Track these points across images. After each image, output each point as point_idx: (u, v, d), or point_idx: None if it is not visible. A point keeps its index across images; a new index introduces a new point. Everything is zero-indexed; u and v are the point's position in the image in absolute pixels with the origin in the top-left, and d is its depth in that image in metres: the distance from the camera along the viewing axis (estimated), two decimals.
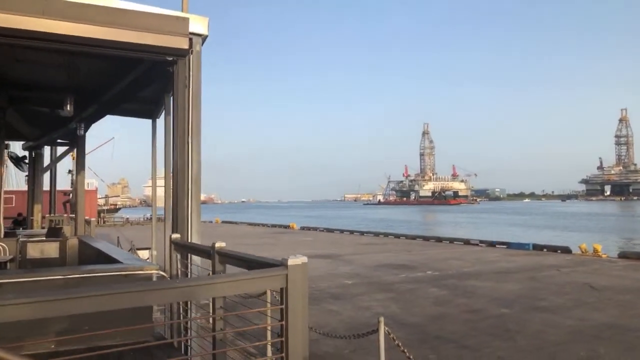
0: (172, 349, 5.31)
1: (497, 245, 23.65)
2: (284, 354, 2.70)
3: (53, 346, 4.42)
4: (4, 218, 17.21)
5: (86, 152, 12.90)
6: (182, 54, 6.02)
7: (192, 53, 6.08)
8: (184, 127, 5.93)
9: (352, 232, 34.55)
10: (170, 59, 6.07)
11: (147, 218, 56.47)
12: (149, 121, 10.50)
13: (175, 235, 5.47)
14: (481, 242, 25.05)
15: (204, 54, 6.22)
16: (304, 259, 2.90)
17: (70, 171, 15.19)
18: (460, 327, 8.98)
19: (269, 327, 2.93)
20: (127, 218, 59.20)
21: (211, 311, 4.71)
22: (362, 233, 33.50)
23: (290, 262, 2.82)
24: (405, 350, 4.91)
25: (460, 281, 13.78)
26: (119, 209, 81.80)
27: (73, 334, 4.75)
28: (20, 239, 9.47)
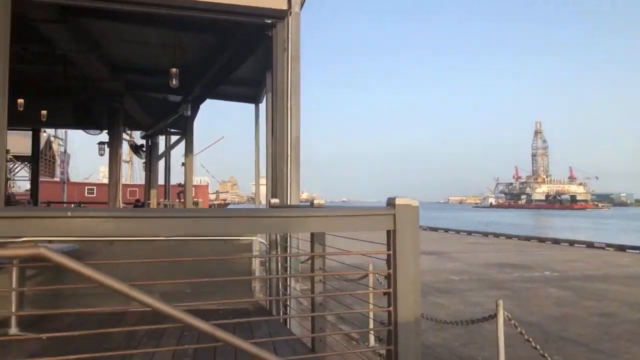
0: (271, 319, 5.12)
1: (628, 250, 20.88)
2: (391, 308, 2.18)
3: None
4: (126, 204, 18.64)
5: (198, 150, 13.46)
6: (280, 15, 5.77)
7: (290, 15, 5.80)
8: (283, 89, 5.67)
9: (458, 231, 32.84)
10: (269, 21, 5.84)
11: None
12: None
13: (274, 200, 5.24)
14: (608, 245, 22.30)
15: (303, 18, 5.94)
16: (415, 201, 2.36)
17: (183, 164, 15.98)
18: (591, 330, 7.77)
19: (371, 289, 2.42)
20: None
21: (311, 287, 4.34)
22: (468, 233, 31.68)
23: (399, 201, 2.30)
24: (532, 340, 4.10)
25: (585, 283, 12.19)
26: (228, 204, 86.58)
27: (175, 295, 4.80)
28: None
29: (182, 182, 16.61)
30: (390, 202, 2.32)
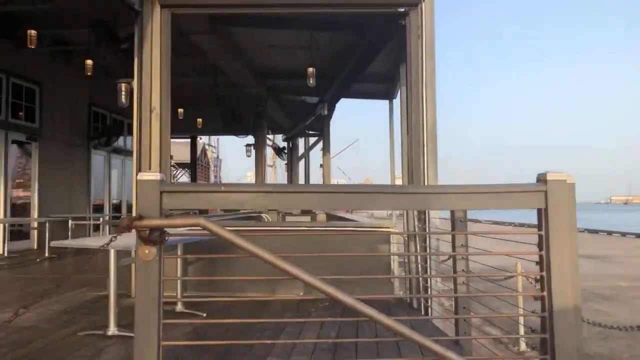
0: (411, 309, 5.04)
1: None
2: (545, 293, 1.97)
3: (302, 293, 4.75)
4: None
5: (335, 151, 13.91)
6: (414, 2, 5.63)
7: (424, 0, 5.64)
8: (418, 78, 5.53)
9: (624, 234, 29.01)
10: (402, 10, 5.74)
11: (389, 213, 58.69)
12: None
13: None
14: None
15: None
16: (571, 177, 2.10)
17: (321, 165, 16.59)
18: None
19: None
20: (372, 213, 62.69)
21: (452, 270, 4.17)
22: (637, 235, 27.77)
23: (551, 177, 2.06)
24: None
25: None
26: None
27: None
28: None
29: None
30: (541, 178, 2.08)
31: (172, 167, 28.40)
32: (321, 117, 12.75)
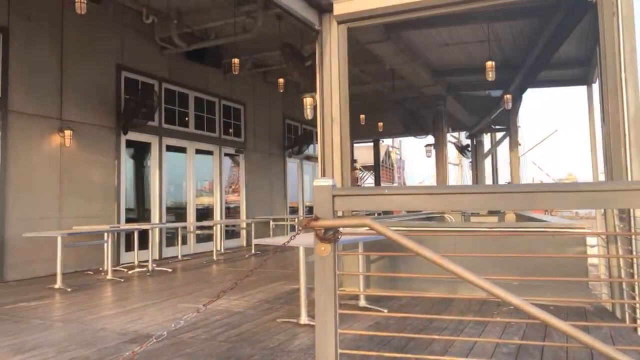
0: (612, 317, 4.48)
1: None
2: None
3: (484, 294, 4.63)
4: None
5: (527, 146, 12.99)
6: None
7: None
8: (614, 59, 4.88)
9: None
10: None
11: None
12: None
13: None
14: None
15: None
16: None
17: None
18: None
19: None
20: (577, 212, 55.81)
21: None
22: None
23: None
24: None
25: None
26: None
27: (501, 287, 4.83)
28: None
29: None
30: None
31: (358, 170, 29.68)
32: (507, 111, 12.00)
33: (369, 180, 34.90)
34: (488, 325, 4.03)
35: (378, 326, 4.10)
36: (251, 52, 10.85)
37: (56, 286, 6.18)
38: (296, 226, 13.03)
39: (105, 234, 7.44)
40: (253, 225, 10.66)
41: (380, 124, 14.58)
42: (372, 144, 18.59)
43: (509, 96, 10.27)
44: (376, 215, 10.05)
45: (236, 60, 9.37)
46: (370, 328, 4.02)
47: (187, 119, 10.85)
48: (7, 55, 7.19)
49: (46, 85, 7.73)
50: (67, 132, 7.87)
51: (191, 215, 10.82)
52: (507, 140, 14.82)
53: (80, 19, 7.32)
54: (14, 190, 7.15)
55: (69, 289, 6.10)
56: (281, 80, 11.09)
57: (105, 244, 7.52)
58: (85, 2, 6.58)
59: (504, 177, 19.54)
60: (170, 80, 10.26)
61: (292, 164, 14.89)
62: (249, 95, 12.76)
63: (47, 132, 7.71)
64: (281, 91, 11.36)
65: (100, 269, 7.82)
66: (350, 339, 3.54)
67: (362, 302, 4.85)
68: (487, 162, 17.54)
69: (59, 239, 6.35)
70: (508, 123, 13.81)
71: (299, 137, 14.79)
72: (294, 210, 14.93)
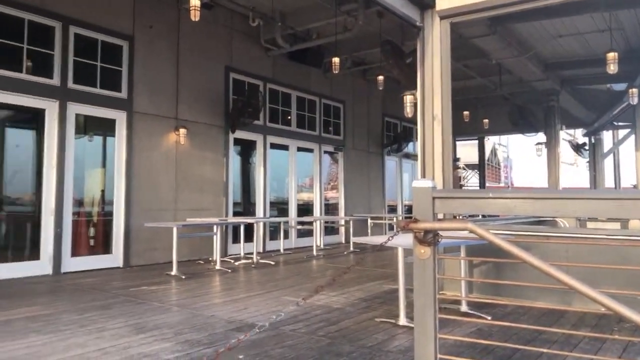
0: None
1: None
2: None
3: (602, 309, 4.28)
4: None
5: None
6: None
7: None
8: None
9: None
10: None
11: None
12: None
13: None
14: None
15: None
16: None
17: None
18: None
19: None
20: None
21: None
22: None
23: None
24: None
25: None
26: None
27: (620, 302, 4.38)
28: None
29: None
30: None
31: (462, 169, 28.60)
32: (632, 106, 10.86)
33: (473, 179, 33.52)
34: (606, 343, 3.70)
35: (480, 333, 3.94)
36: (351, 50, 10.94)
37: (172, 273, 6.75)
38: (395, 226, 12.92)
39: (215, 226, 7.96)
40: (351, 222, 10.76)
41: (486, 120, 13.94)
42: (476, 141, 17.85)
43: (634, 90, 9.29)
44: (480, 217, 9.65)
45: (336, 59, 9.50)
46: (472, 335, 3.88)
47: (289, 117, 11.23)
48: (132, 62, 7.96)
49: (164, 87, 8.44)
50: (182, 131, 8.54)
51: (292, 210, 11.19)
52: (632, 138, 13.44)
53: (193, 25, 7.89)
54: (137, 184, 7.92)
55: (183, 277, 6.63)
56: (381, 78, 11.03)
57: (215, 236, 8.05)
58: (199, 9, 7.08)
59: (627, 180, 17.71)
60: (274, 80, 10.68)
61: (390, 162, 14.78)
62: (348, 94, 12.88)
63: (165, 131, 8.42)
64: (380, 89, 11.31)
65: (210, 259, 8.39)
66: (451, 344, 3.44)
67: (464, 308, 4.69)
68: (608, 162, 16.02)
69: (175, 230, 6.92)
70: (633, 119, 12.51)
71: (398, 135, 14.63)
72: (392, 209, 14.81)
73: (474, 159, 22.69)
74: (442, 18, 5.54)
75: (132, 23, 7.99)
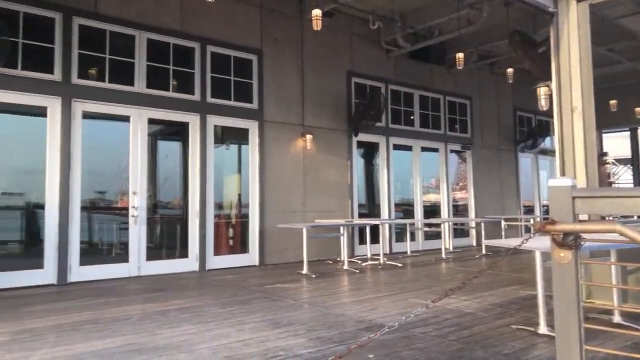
0: None
1: None
2: None
3: None
4: None
5: None
6: None
7: None
8: None
9: None
10: None
11: None
12: None
13: None
14: None
15: None
16: None
17: None
18: None
19: None
20: None
21: None
22: None
23: None
24: None
25: None
26: None
27: None
28: None
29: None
30: None
31: (611, 164, 25.68)
32: None
33: (626, 175, 29.88)
34: None
35: (637, 348, 3.51)
36: (476, 44, 10.46)
37: (303, 272, 7.06)
38: (531, 228, 12.03)
39: (342, 228, 8.16)
40: (483, 224, 10.25)
41: (638, 109, 12.36)
42: (628, 133, 15.91)
43: None
44: (636, 217, 8.57)
45: (460, 55, 9.17)
46: (627, 349, 3.47)
47: (412, 117, 11.07)
48: (261, 74, 8.50)
49: (290, 96, 8.87)
50: (308, 137, 8.89)
51: (418, 212, 11.01)
52: None
53: (315, 34, 8.19)
54: (269, 188, 8.43)
55: (314, 276, 6.90)
56: (510, 70, 10.41)
57: (342, 237, 8.24)
58: (321, 18, 7.33)
59: None
60: (395, 81, 10.63)
61: (525, 159, 13.79)
62: (474, 89, 12.32)
63: (293, 137, 8.84)
64: (510, 82, 10.66)
65: (338, 259, 8.61)
66: (602, 357, 3.12)
67: (617, 318, 4.21)
68: None
69: (304, 231, 7.23)
70: None
71: (532, 130, 13.61)
72: (529, 210, 13.80)
73: (626, 152, 20.30)
74: (579, 0, 5.06)
75: (260, 38, 8.54)
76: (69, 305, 5.14)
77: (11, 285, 5.99)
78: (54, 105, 6.51)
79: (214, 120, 7.99)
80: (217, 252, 7.92)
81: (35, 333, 3.95)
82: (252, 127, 8.41)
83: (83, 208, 6.74)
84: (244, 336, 3.80)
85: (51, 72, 6.51)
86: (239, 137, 8.47)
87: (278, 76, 8.72)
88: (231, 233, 8.34)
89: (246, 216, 8.34)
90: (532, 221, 12.62)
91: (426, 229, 10.96)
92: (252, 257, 8.23)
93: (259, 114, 8.44)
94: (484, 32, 9.17)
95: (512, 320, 4.28)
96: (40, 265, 6.32)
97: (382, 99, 9.98)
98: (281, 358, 3.25)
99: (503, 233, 11.40)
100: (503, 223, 11.37)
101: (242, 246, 8.29)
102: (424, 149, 11.29)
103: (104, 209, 7.38)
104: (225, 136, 8.41)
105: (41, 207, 6.44)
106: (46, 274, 6.33)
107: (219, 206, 8.18)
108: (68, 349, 3.52)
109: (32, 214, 6.61)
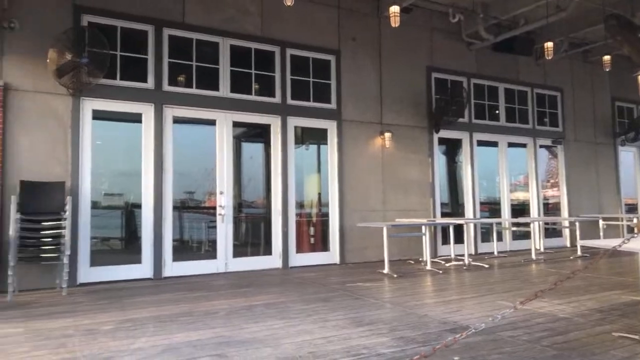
0: None
1: None
2: None
3: None
4: None
5: None
6: None
7: None
8: None
9: None
10: None
11: None
12: None
13: None
14: None
15: None
16: None
17: None
18: None
19: None
20: None
21: None
22: None
23: None
24: None
25: None
26: None
27: None
28: None
29: None
30: None
31: None
32: None
33: None
34: None
35: None
36: (566, 31, 9.80)
37: (384, 271, 7.00)
38: (634, 228, 11.04)
39: (423, 227, 7.98)
40: (577, 224, 9.55)
41: None
42: None
43: None
44: None
45: (549, 44, 8.64)
46: None
47: (497, 112, 10.59)
48: (339, 74, 8.54)
49: (368, 95, 8.83)
50: (387, 135, 8.80)
51: (505, 211, 10.50)
52: None
53: (393, 31, 8.09)
54: (348, 187, 8.45)
55: (395, 275, 6.81)
56: (606, 58, 9.64)
57: (424, 237, 8.07)
58: (399, 14, 7.23)
59: None
60: (478, 75, 10.22)
61: (626, 153, 12.68)
62: (566, 80, 11.52)
63: (371, 136, 8.79)
64: (607, 70, 9.86)
65: (420, 259, 8.44)
66: None
67: None
68: None
69: (385, 230, 7.16)
70: None
71: (634, 121, 12.47)
72: (631, 208, 12.66)
73: None
74: None
75: (337, 38, 8.59)
76: (165, 298, 5.48)
77: (114, 279, 6.51)
78: (147, 111, 6.99)
79: (294, 122, 8.15)
80: (299, 249, 8.07)
81: (137, 323, 4.26)
82: (331, 126, 8.48)
83: (174, 208, 7.17)
84: (326, 333, 3.83)
85: (145, 80, 7.00)
86: (318, 137, 8.57)
87: (355, 75, 8.71)
88: (312, 231, 8.46)
89: (326, 215, 8.42)
90: (635, 220, 11.56)
91: (514, 228, 10.41)
92: (332, 255, 8.29)
93: (337, 114, 8.49)
94: (575, 18, 8.57)
95: (614, 327, 3.95)
96: (138, 261, 6.81)
97: (465, 94, 9.64)
98: (364, 356, 3.24)
99: (601, 233, 10.57)
100: (601, 222, 10.54)
101: (322, 244, 8.38)
102: (510, 145, 10.75)
103: (193, 209, 7.80)
104: (305, 136, 8.55)
105: (138, 206, 6.93)
106: (144, 269, 6.81)
107: (300, 205, 8.33)
108: (166, 338, 3.76)
109: (130, 212, 7.13)
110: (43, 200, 5.90)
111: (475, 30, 9.51)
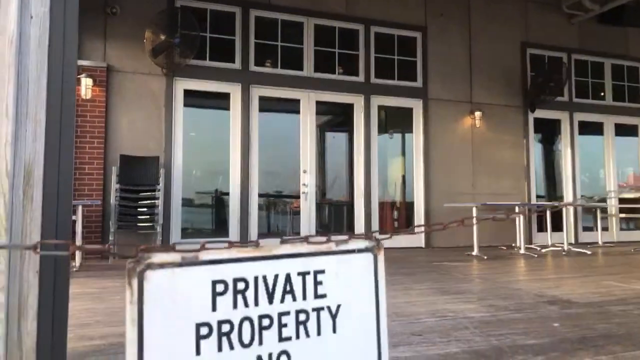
0: None
1: None
2: None
3: None
4: None
5: None
6: None
7: None
8: None
9: None
10: None
11: None
12: None
13: None
14: None
15: None
16: None
17: None
18: None
19: None
20: None
21: None
22: None
23: None
24: None
25: None
26: None
27: None
28: None
29: None
30: None
31: None
32: None
33: None
34: None
35: None
36: None
37: (473, 253, 6.62)
38: None
39: (517, 207, 7.45)
40: None
41: None
42: None
43: None
44: None
45: None
46: None
47: (602, 92, 9.65)
48: (425, 51, 8.23)
49: (457, 72, 8.41)
50: (477, 114, 8.33)
51: (612, 198, 9.54)
52: None
53: (484, 4, 7.66)
54: (434, 169, 8.12)
55: (485, 257, 6.42)
56: None
57: (517, 219, 7.53)
58: None
59: None
60: (580, 50, 9.37)
61: None
62: None
63: (459, 115, 8.37)
64: None
65: (513, 245, 7.90)
66: None
67: None
68: None
69: (474, 210, 6.77)
70: None
71: None
72: None
73: None
74: None
75: (424, 14, 8.28)
76: None
77: None
78: (235, 90, 7.18)
79: (377, 100, 7.98)
80: (382, 232, 7.86)
81: None
82: (416, 105, 8.19)
83: (259, 195, 7.29)
84: (410, 298, 3.66)
85: (232, 61, 7.20)
86: (403, 117, 8.32)
87: (443, 52, 8.34)
88: (396, 215, 8.24)
89: (411, 197, 8.15)
90: None
91: (622, 215, 9.41)
92: (419, 238, 8.00)
93: (423, 93, 8.18)
94: None
95: None
96: (226, 235, 7.03)
97: (565, 70, 8.88)
98: (450, 318, 3.03)
99: None
100: None
101: (407, 227, 8.13)
102: (617, 126, 9.74)
103: (275, 196, 7.91)
104: (389, 117, 8.34)
105: (226, 194, 7.14)
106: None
107: (383, 187, 8.14)
108: None
109: (220, 200, 7.38)
110: (139, 172, 6.27)
111: (577, 0, 8.73)
